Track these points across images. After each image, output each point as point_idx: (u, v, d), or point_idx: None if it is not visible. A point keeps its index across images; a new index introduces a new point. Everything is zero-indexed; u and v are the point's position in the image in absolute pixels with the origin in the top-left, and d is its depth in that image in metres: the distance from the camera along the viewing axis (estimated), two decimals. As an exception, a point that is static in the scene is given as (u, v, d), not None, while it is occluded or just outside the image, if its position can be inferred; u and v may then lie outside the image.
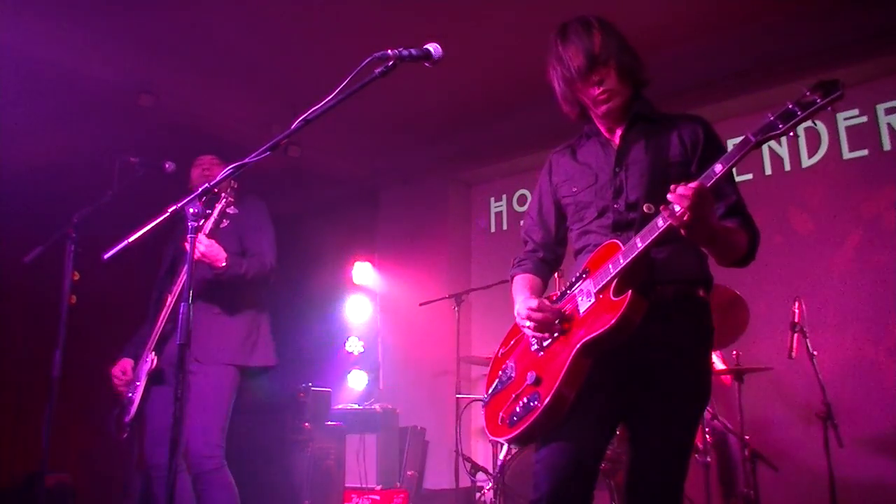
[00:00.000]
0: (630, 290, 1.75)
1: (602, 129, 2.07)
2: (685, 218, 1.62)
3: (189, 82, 5.12)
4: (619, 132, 2.02)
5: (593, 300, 1.84)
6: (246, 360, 3.15)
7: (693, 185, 1.62)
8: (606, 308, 1.79)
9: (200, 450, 2.93)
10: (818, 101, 1.54)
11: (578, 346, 1.79)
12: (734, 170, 1.74)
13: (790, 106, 1.58)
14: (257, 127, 5.41)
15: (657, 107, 2.08)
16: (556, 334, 1.91)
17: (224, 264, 2.99)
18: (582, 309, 1.87)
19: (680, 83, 4.74)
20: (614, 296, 1.78)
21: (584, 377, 1.81)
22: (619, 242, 1.83)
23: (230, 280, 3.05)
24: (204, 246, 2.89)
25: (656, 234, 1.71)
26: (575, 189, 2.06)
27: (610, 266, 1.82)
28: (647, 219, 1.77)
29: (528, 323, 1.93)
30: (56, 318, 2.96)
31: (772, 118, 1.60)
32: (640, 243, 1.75)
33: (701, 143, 1.93)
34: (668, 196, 1.64)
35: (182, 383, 1.89)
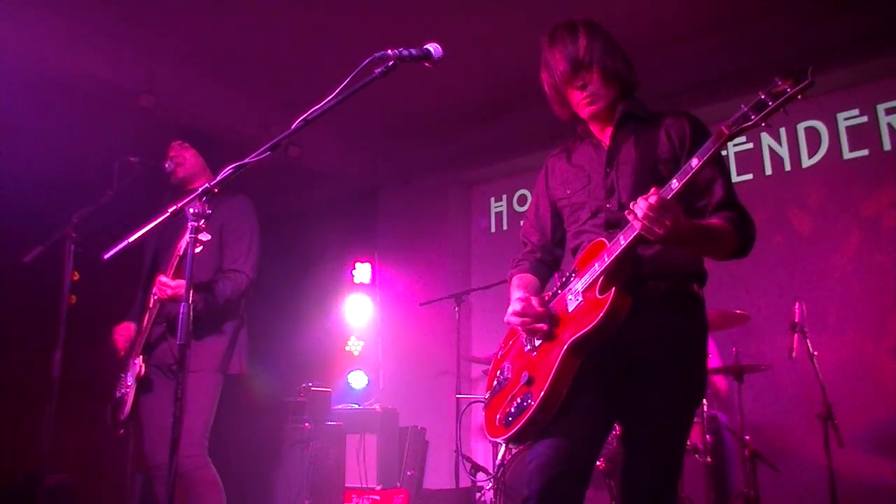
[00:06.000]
0: (614, 288, 1.77)
1: (594, 130, 2.09)
2: (648, 231, 1.65)
3: (189, 82, 5.11)
4: (608, 133, 2.04)
5: (581, 299, 1.86)
6: (226, 368, 3.17)
7: (652, 198, 1.63)
8: (592, 306, 1.81)
9: (182, 449, 2.94)
10: (788, 90, 1.56)
11: (566, 345, 1.82)
12: (725, 163, 1.73)
13: (762, 96, 1.59)
14: (257, 127, 5.41)
15: (653, 106, 2.08)
16: (547, 333, 1.92)
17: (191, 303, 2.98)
18: (570, 308, 1.89)
19: (680, 83, 4.74)
20: (599, 294, 1.81)
21: (574, 375, 1.83)
22: (605, 241, 1.85)
23: (201, 315, 3.00)
24: (170, 290, 2.88)
25: (632, 236, 1.73)
26: (569, 191, 2.08)
27: (596, 265, 1.83)
28: None
29: (515, 319, 1.95)
30: (56, 318, 2.96)
31: (745, 109, 1.61)
32: (623, 240, 1.76)
33: (688, 138, 1.93)
34: (631, 207, 1.67)
35: (182, 384, 1.89)
